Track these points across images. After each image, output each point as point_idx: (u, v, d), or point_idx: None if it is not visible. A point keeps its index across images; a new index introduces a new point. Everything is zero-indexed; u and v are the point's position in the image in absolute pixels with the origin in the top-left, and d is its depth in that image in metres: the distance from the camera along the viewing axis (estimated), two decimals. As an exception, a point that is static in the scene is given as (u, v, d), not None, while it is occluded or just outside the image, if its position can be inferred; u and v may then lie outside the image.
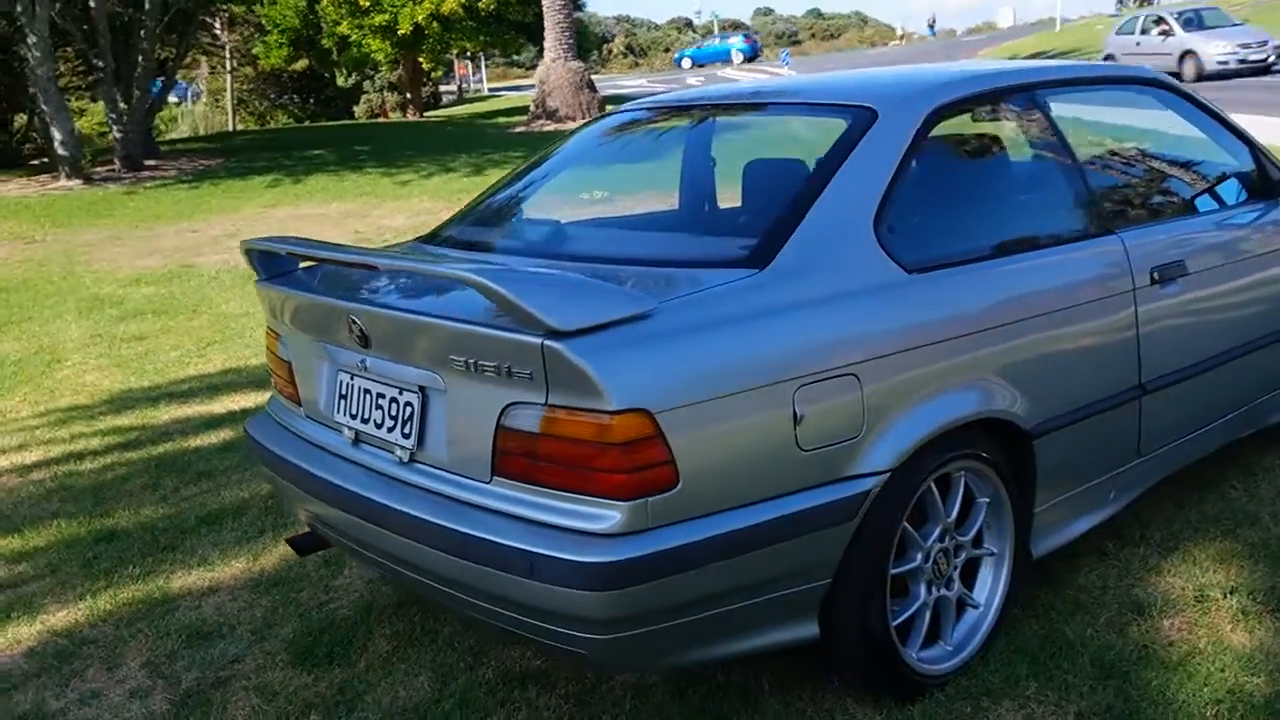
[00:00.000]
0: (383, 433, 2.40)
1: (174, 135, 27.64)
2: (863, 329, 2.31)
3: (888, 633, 2.39)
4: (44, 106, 14.51)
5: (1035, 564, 2.91)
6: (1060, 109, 3.08)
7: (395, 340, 2.33)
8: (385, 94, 32.59)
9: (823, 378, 2.20)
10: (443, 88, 42.57)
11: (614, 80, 45.53)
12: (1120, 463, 2.95)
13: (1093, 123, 3.49)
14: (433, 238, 2.93)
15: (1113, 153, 3.53)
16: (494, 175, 12.80)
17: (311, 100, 36.18)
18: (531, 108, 22.53)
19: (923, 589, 2.50)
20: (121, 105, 15.96)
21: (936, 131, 2.70)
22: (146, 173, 15.67)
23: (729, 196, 2.93)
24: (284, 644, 2.95)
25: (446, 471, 2.26)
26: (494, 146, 17.78)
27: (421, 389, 2.30)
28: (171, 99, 30.08)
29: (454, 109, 33.93)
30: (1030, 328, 2.60)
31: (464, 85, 44.42)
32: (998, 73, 2.99)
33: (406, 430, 2.33)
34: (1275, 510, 3.31)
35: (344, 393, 2.53)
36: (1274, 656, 2.56)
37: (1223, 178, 3.44)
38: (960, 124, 2.91)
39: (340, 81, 33.96)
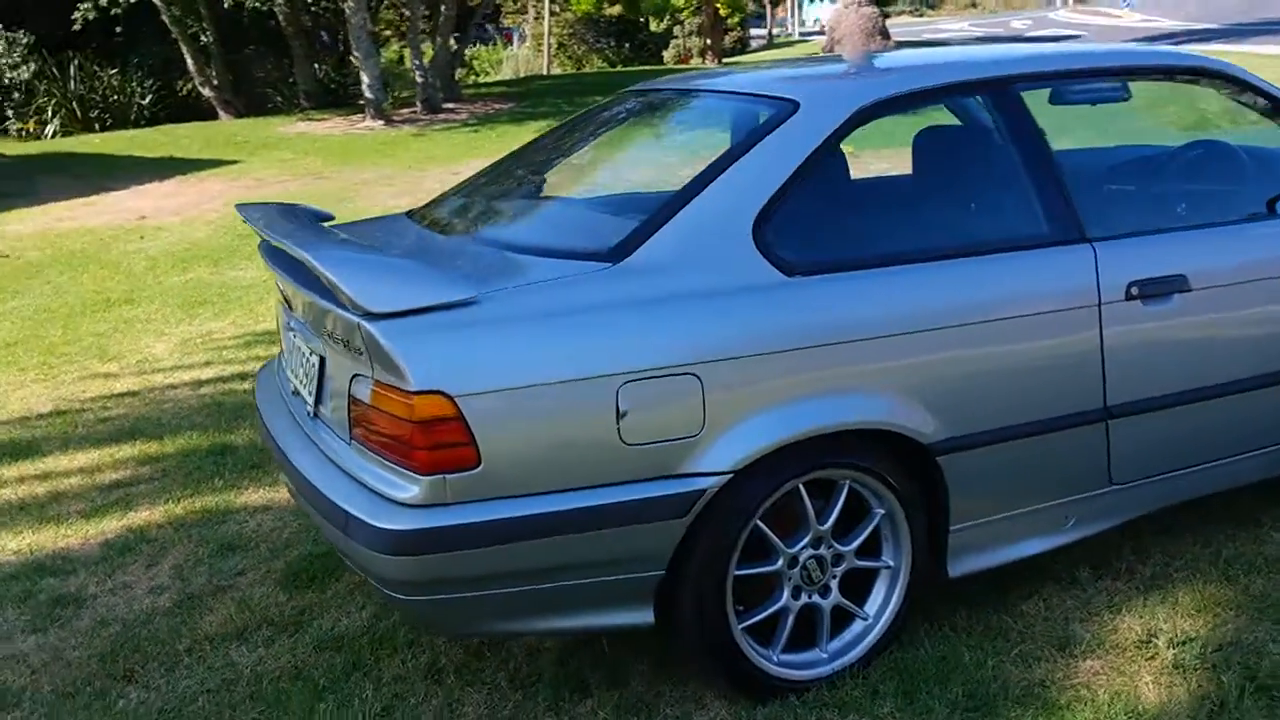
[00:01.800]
0: (303, 388, 2.69)
1: (497, 78, 29.48)
2: (713, 330, 2.32)
3: (728, 632, 2.42)
4: (356, 52, 15.96)
5: (987, 583, 2.83)
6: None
7: (301, 307, 2.60)
8: (688, 40, 33.05)
9: (654, 376, 2.25)
10: (757, 31, 42.60)
11: (935, 25, 43.82)
12: (1081, 488, 2.77)
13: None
14: (413, 211, 3.15)
15: (1123, 154, 3.21)
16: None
17: (627, 45, 37.26)
18: (821, 54, 22.26)
19: (786, 594, 2.50)
20: (425, 51, 17.23)
21: (870, 128, 2.61)
22: (441, 116, 16.89)
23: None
24: (285, 565, 3.33)
25: (331, 429, 2.51)
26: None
27: (320, 352, 2.56)
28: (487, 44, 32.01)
29: (760, 54, 33.93)
30: (938, 340, 2.50)
31: (781, 28, 44.18)
32: (963, 64, 2.82)
33: (311, 389, 2.60)
34: (1303, 560, 2.97)
35: (289, 348, 2.83)
36: (1167, 716, 2.37)
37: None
38: (926, 119, 2.78)
39: (653, 27, 34.75)
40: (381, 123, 15.90)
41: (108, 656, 2.87)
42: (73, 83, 18.92)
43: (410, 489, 2.19)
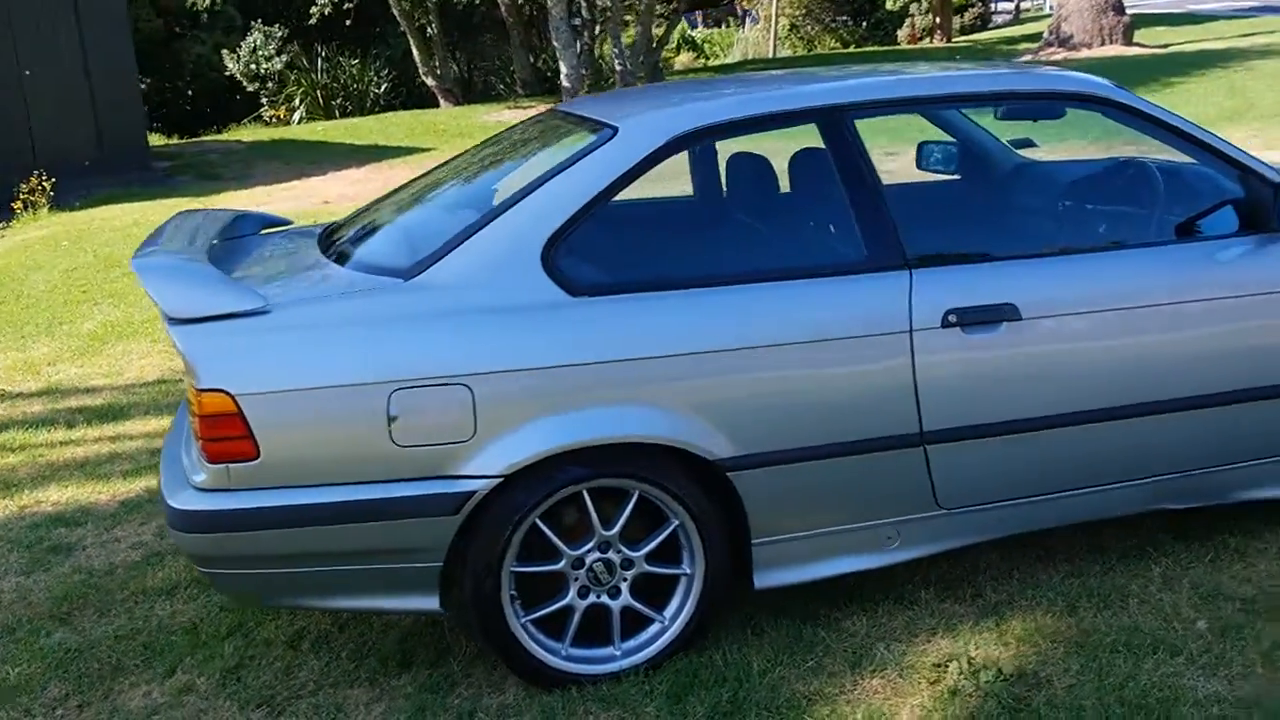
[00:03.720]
0: None
1: (725, 61, 29.78)
2: (487, 344, 2.51)
3: (504, 623, 2.62)
4: (555, 43, 16.59)
5: (821, 596, 2.90)
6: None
7: None
8: (916, 18, 32.02)
9: (424, 385, 2.47)
10: (1005, 5, 40.78)
11: (1206, -4, 40.41)
12: (905, 511, 2.78)
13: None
14: (331, 224, 3.43)
15: (995, 175, 3.09)
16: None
17: (864, 23, 36.52)
18: (1045, 34, 21.14)
19: (572, 593, 2.67)
20: (624, 39, 17.66)
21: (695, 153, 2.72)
22: (638, 101, 17.28)
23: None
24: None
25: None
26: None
27: None
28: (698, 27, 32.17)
29: (997, 32, 32.49)
30: (727, 362, 2.59)
31: (1033, 1, 42.03)
32: (797, 93, 2.84)
33: None
34: (1159, 601, 2.85)
35: None
36: (900, 741, 2.39)
37: (1192, 208, 2.92)
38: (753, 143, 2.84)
39: (889, 4, 33.92)
40: (576, 110, 16.46)
41: (61, 600, 3.36)
42: (319, 72, 20.66)
43: (201, 474, 2.52)
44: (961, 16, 33.48)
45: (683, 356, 2.58)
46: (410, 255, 2.68)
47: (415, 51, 19.74)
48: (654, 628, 2.75)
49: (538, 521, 2.60)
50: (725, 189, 3.05)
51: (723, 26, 39.08)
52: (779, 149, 3.27)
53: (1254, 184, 2.89)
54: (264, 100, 21.46)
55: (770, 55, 30.17)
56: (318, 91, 20.78)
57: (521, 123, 3.50)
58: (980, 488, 2.80)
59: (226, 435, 2.47)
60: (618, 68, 17.73)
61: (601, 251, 2.68)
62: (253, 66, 21.39)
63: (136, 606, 3.29)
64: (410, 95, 21.28)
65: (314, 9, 18.84)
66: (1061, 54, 19.44)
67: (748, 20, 37.81)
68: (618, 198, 2.74)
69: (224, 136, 17.52)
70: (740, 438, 2.62)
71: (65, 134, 12.90)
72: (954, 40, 29.05)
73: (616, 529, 2.65)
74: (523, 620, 2.66)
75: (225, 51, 21.56)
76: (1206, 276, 2.82)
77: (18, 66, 12.52)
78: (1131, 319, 2.77)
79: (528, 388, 2.52)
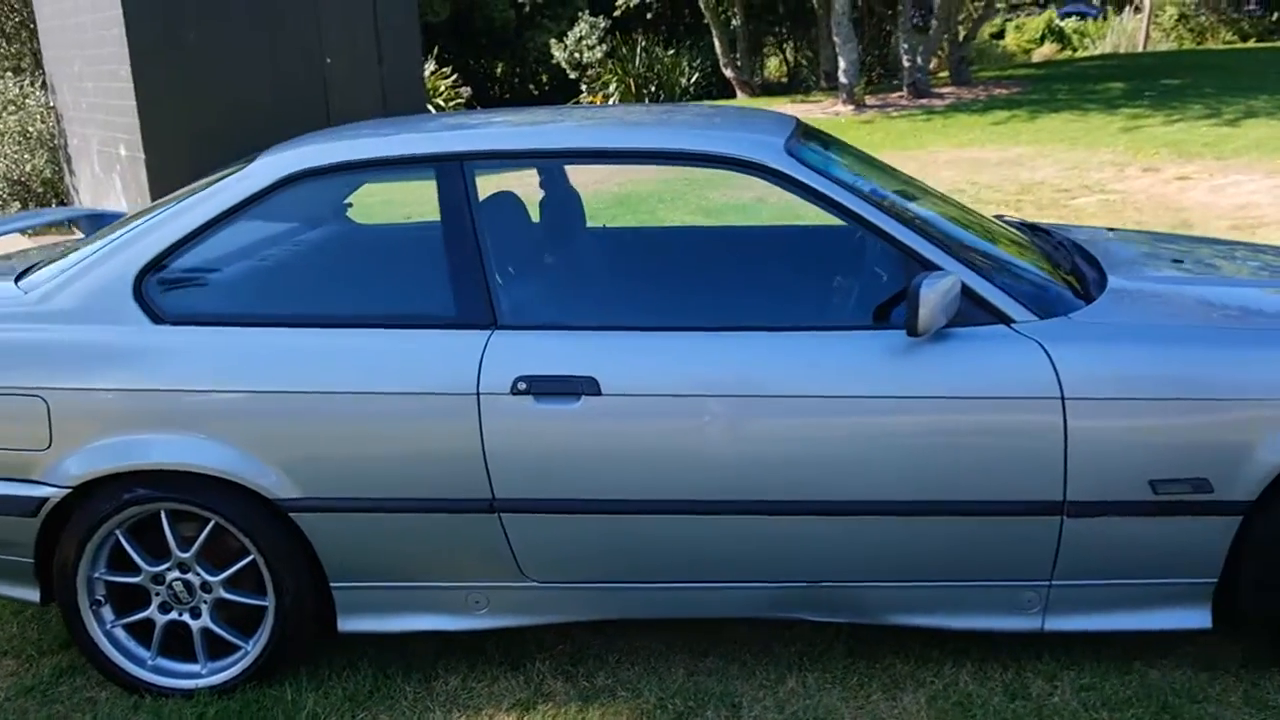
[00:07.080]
0: None
1: (1089, 54, 27.67)
2: (63, 360, 2.62)
3: (82, 626, 2.75)
4: (835, 37, 16.16)
5: (448, 650, 2.83)
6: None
7: None
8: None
9: (5, 394, 2.64)
10: None
11: None
12: (490, 577, 2.64)
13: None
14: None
15: (599, 240, 2.71)
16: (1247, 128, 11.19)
17: (1274, 14, 32.54)
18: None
19: (154, 606, 2.75)
20: (918, 34, 16.89)
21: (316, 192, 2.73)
22: (924, 101, 16.45)
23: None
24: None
25: None
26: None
27: None
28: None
29: None
30: (292, 403, 2.56)
31: None
32: (411, 139, 2.71)
33: None
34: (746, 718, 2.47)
35: None
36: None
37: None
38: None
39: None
40: (851, 108, 16.00)
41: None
42: (636, 62, 21.45)
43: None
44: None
45: (244, 393, 2.57)
46: (51, 271, 2.84)
47: (716, 44, 19.97)
48: (239, 653, 2.77)
49: (119, 534, 2.70)
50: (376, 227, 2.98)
51: (1103, 17, 36.08)
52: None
53: (914, 271, 2.44)
54: (583, 87, 22.59)
55: (1141, 48, 27.53)
56: (631, 80, 21.57)
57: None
58: (564, 565, 2.57)
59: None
60: (905, 63, 17.00)
61: (203, 282, 2.72)
62: (576, 55, 22.56)
63: None
64: (722, 86, 21.59)
65: (619, 2, 19.58)
66: None
67: (1126, 9, 34.68)
68: (256, 227, 2.79)
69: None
70: (302, 480, 2.57)
71: (357, 116, 14.30)
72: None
73: (191, 553, 2.69)
74: (109, 625, 2.77)
75: (553, 40, 22.87)
76: (841, 372, 2.42)
77: (321, 55, 14.02)
78: (736, 408, 2.43)
79: (98, 407, 2.62)
